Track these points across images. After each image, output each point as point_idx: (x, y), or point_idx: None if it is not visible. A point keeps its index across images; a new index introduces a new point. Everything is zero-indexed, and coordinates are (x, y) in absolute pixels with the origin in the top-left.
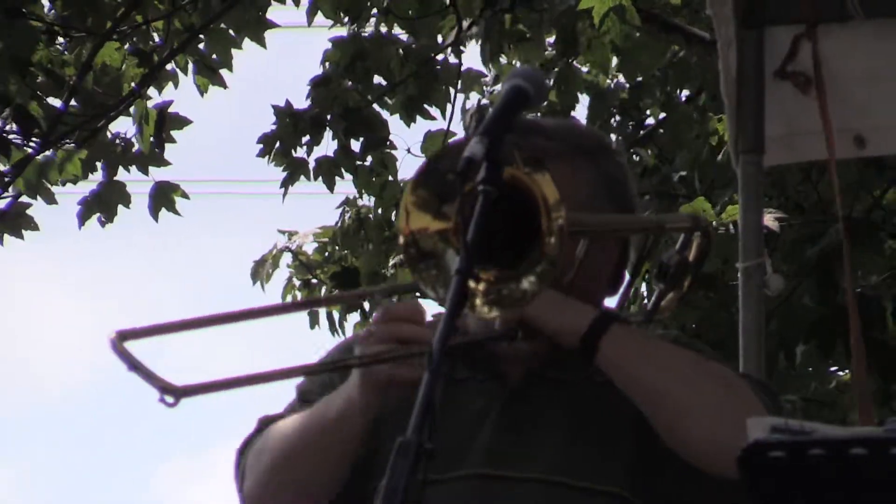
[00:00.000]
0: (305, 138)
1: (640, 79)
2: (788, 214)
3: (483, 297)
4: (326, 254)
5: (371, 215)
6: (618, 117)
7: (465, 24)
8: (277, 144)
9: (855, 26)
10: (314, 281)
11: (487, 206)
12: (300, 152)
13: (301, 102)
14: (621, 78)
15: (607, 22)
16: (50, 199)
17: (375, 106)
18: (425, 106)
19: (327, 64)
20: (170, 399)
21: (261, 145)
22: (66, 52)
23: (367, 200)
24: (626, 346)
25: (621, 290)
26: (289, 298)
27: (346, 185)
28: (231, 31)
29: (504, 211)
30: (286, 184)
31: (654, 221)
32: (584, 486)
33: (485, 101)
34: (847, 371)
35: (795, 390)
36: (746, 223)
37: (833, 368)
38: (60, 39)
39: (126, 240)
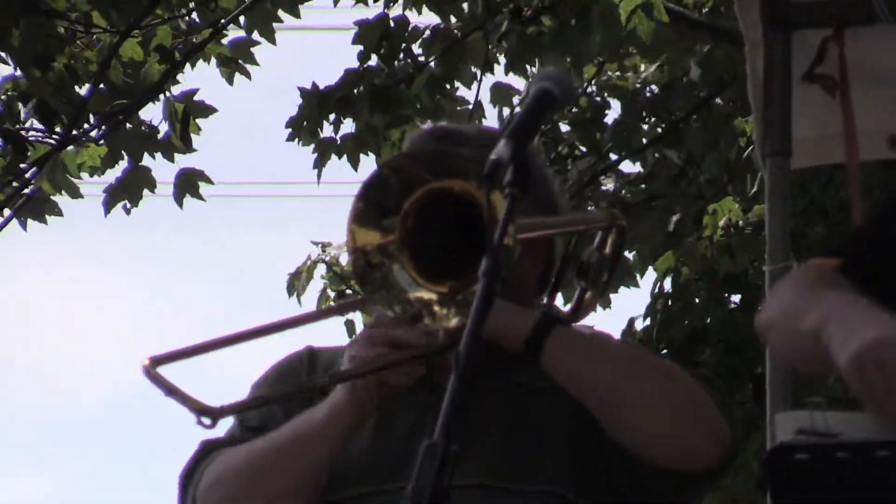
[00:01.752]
0: (332, 117)
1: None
2: (812, 217)
3: (440, 306)
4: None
5: None
6: (650, 119)
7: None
8: (304, 124)
9: (883, 29)
10: (349, 291)
11: (513, 208)
12: (327, 132)
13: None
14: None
15: (635, 18)
16: (75, 193)
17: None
18: (447, 86)
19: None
20: (207, 421)
21: (289, 129)
22: (87, 49)
23: None
24: (570, 345)
25: (548, 291)
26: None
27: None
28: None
29: (450, 223)
30: (318, 165)
31: (577, 220)
32: (522, 488)
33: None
34: None
35: (820, 391)
36: (773, 226)
37: None
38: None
39: (152, 237)
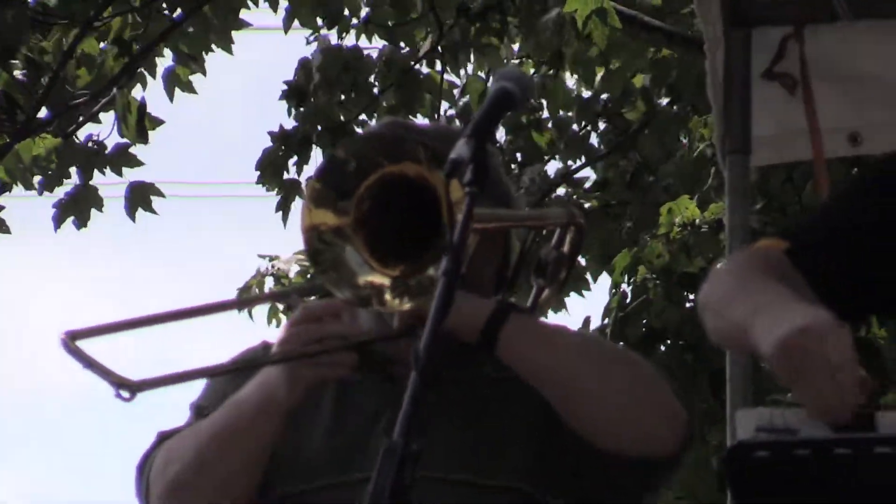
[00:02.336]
0: (293, 159)
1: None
2: (771, 216)
3: (391, 291)
4: (309, 276)
5: None
6: (601, 125)
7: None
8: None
9: (843, 27)
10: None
11: (472, 207)
12: (291, 172)
13: (276, 109)
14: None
15: (590, 24)
16: (28, 185)
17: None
18: (409, 117)
19: (311, 72)
20: (126, 394)
21: (258, 172)
22: (45, 41)
23: None
24: (525, 334)
25: (504, 290)
26: (273, 323)
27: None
28: (205, 31)
29: (404, 208)
30: (282, 208)
31: (534, 216)
32: (483, 482)
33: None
34: None
35: (780, 391)
36: (733, 224)
37: None
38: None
39: (107, 240)
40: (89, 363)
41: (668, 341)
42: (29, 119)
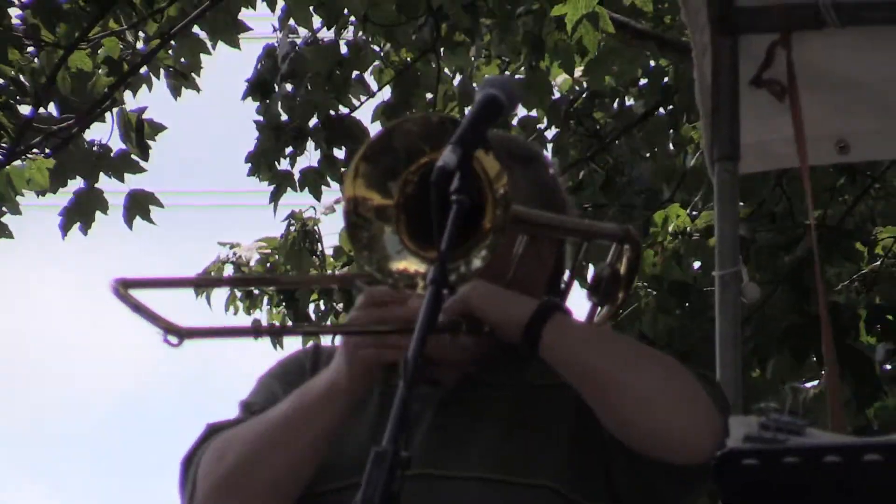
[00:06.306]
0: (289, 150)
1: (597, 84)
2: (760, 222)
3: (426, 279)
4: (269, 265)
5: (317, 227)
6: (571, 123)
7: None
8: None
9: (831, 34)
10: (256, 292)
11: (460, 215)
12: (284, 164)
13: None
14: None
15: (580, 29)
16: (14, 210)
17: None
18: (407, 113)
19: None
20: (173, 339)
21: (249, 164)
22: (34, 60)
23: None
24: (567, 334)
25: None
26: (231, 310)
27: (289, 198)
28: (203, 37)
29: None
30: (275, 198)
31: (586, 226)
32: (518, 481)
33: None
34: (818, 383)
35: (770, 398)
36: (722, 231)
37: (810, 384)
38: (30, 49)
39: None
40: (138, 308)
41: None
42: (16, 141)
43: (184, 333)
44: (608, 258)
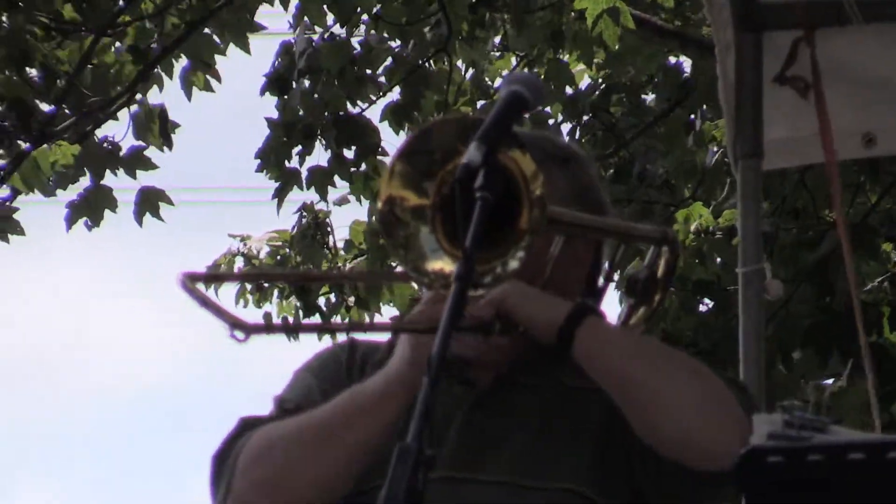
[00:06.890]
0: (297, 149)
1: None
2: (782, 219)
3: None
4: (279, 258)
5: (328, 219)
6: (585, 118)
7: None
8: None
9: (854, 30)
10: (266, 285)
11: (485, 212)
12: (293, 162)
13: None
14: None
15: (601, 24)
16: (48, 193)
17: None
18: (415, 113)
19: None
20: (240, 335)
21: (258, 160)
22: (60, 48)
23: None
24: (601, 336)
25: (596, 299)
26: (241, 303)
27: (294, 196)
28: (215, 37)
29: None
30: (280, 195)
31: (624, 227)
32: (542, 486)
33: None
34: (836, 380)
35: (793, 395)
36: (746, 228)
37: (828, 381)
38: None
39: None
40: (205, 302)
41: (684, 348)
42: (44, 126)
43: (250, 329)
44: (646, 259)
